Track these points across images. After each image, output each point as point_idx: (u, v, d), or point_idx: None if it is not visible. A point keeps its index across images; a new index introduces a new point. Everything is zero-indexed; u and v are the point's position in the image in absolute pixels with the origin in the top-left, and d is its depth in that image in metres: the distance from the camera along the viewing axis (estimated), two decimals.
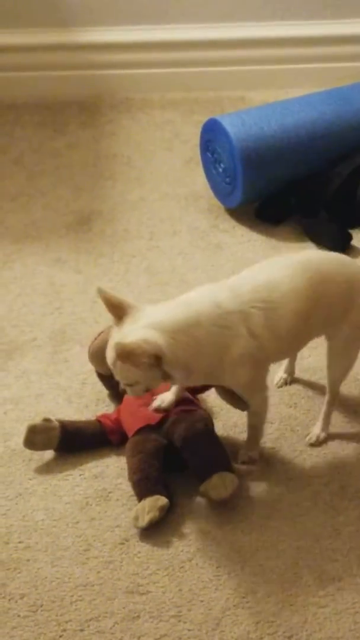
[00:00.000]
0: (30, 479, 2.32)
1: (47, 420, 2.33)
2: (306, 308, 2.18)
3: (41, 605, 2.05)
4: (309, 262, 2.24)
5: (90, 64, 3.80)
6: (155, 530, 2.17)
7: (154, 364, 2.03)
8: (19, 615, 2.03)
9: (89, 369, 2.53)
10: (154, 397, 2.32)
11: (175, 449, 2.26)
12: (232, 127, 3.07)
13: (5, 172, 3.44)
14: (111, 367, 2.09)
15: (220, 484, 2.18)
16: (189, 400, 2.35)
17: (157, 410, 2.31)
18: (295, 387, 2.54)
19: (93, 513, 2.23)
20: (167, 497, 2.18)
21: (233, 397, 2.29)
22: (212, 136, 3.17)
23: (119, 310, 2.07)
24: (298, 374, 2.54)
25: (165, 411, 2.31)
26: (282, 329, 2.15)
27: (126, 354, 2.00)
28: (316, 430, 2.39)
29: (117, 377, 2.11)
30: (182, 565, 2.11)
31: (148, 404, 2.32)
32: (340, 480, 2.29)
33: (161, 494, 2.18)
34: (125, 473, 2.27)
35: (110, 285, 2.71)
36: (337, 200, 3.09)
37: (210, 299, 2.12)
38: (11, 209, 3.26)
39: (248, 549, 2.14)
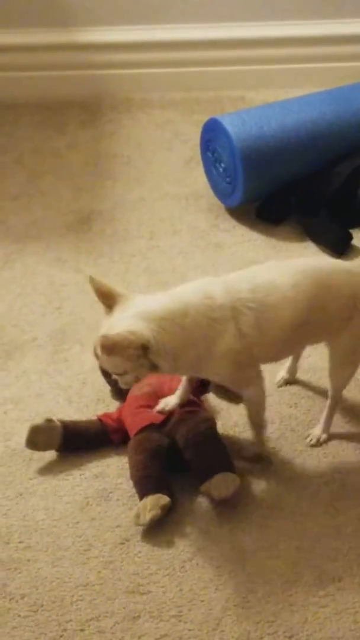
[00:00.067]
0: (30, 479, 2.32)
1: (49, 420, 2.33)
2: (301, 317, 2.16)
3: (42, 605, 2.05)
4: (318, 271, 2.23)
5: (91, 64, 3.80)
6: (156, 530, 2.17)
7: (141, 354, 2.03)
8: (19, 615, 2.03)
9: (89, 368, 2.53)
10: (159, 400, 2.33)
11: (177, 449, 2.26)
12: (233, 127, 3.07)
13: (6, 172, 3.44)
14: (97, 358, 2.09)
15: (222, 484, 2.18)
16: (192, 401, 2.35)
17: (161, 413, 2.31)
18: (295, 387, 2.53)
19: (93, 513, 2.23)
20: (169, 496, 2.18)
21: (226, 392, 2.30)
22: (212, 136, 3.17)
23: (109, 300, 2.07)
24: (298, 374, 2.54)
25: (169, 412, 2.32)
26: (270, 333, 2.14)
27: (111, 346, 2.00)
28: (317, 432, 2.38)
29: (105, 367, 2.12)
30: (183, 565, 2.11)
31: (150, 405, 2.32)
32: (340, 480, 2.29)
33: (163, 493, 2.18)
34: (126, 473, 2.27)
35: None
36: (337, 200, 3.09)
37: (201, 290, 2.11)
38: (11, 209, 3.26)
39: (248, 549, 2.14)
